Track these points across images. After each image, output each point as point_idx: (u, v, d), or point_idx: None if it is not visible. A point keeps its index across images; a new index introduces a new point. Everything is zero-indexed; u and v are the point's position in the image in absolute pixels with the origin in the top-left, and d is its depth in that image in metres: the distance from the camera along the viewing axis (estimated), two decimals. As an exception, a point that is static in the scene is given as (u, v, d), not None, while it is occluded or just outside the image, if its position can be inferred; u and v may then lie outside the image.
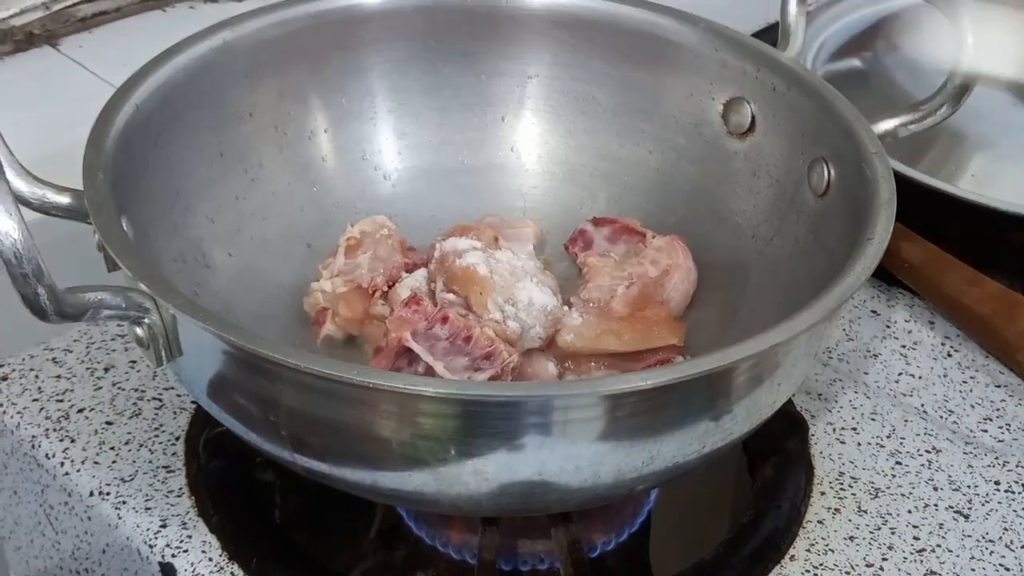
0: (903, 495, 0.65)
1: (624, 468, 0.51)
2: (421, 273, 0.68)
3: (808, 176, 0.65)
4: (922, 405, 0.71)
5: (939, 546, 0.62)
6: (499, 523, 0.60)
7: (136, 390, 0.69)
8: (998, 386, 0.73)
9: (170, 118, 0.64)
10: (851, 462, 0.67)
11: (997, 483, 0.66)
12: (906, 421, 0.70)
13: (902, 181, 0.78)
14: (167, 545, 0.60)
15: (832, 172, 0.63)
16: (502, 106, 0.76)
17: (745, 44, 0.70)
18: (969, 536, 0.63)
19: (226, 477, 0.64)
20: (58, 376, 0.70)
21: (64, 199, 0.56)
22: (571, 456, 0.49)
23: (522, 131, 0.76)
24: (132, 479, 0.64)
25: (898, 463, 0.67)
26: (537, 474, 0.50)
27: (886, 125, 0.65)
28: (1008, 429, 0.70)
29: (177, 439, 0.66)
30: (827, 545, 0.62)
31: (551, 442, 0.49)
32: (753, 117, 0.70)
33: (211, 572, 0.59)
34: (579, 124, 0.75)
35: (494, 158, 0.76)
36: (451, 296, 0.65)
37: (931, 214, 0.81)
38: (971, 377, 0.73)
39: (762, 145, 0.69)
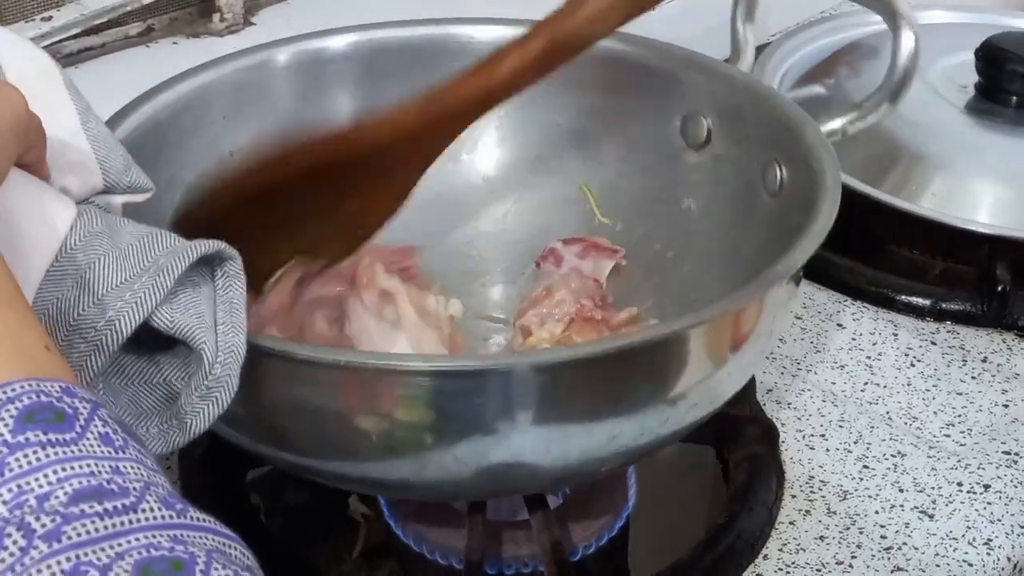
0: (870, 497, 0.68)
1: (591, 446, 0.54)
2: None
3: (763, 178, 0.68)
4: (887, 412, 0.74)
5: (905, 544, 0.65)
6: (484, 526, 0.62)
7: (129, 408, 0.71)
8: (959, 394, 0.76)
9: (153, 153, 0.64)
10: (820, 467, 0.70)
11: (960, 484, 0.69)
12: (872, 427, 0.73)
13: (866, 201, 0.82)
14: (163, 555, 0.62)
15: (784, 171, 0.66)
16: (472, 136, 0.76)
17: (695, 60, 0.73)
18: (934, 535, 0.66)
19: (219, 489, 0.66)
20: (53, 396, 0.72)
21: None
22: (540, 434, 0.52)
23: (494, 160, 0.78)
24: (127, 493, 0.66)
25: (865, 467, 0.70)
26: (507, 452, 0.52)
27: (833, 124, 0.69)
28: (969, 434, 0.73)
29: (171, 454, 0.68)
30: (799, 545, 0.65)
31: (516, 416, 0.51)
32: (709, 130, 0.72)
33: (206, 579, 0.61)
34: (548, 150, 0.78)
35: (469, 186, 0.78)
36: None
37: (894, 232, 0.85)
38: (933, 386, 0.76)
39: (719, 155, 0.72)
